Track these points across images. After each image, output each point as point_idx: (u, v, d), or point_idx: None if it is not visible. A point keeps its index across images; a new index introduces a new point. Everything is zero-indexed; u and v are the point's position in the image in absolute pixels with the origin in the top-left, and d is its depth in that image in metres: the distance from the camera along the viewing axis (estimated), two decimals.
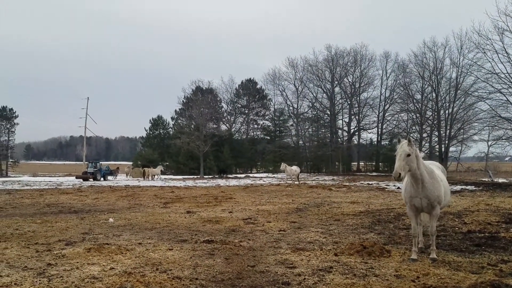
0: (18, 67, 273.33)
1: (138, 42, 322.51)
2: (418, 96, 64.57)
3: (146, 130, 78.23)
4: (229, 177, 55.49)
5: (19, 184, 37.09)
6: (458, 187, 27.20)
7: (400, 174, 6.71)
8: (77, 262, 7.20)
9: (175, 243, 9.03)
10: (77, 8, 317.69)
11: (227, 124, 78.59)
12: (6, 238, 9.57)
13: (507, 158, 67.92)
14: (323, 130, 77.95)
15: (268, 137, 79.57)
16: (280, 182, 37.77)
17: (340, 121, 76.32)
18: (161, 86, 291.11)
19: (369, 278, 6.22)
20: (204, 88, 73.37)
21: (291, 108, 78.69)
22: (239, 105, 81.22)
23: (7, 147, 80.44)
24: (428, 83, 62.52)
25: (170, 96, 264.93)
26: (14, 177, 61.55)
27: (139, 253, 8.00)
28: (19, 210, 15.97)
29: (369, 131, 74.95)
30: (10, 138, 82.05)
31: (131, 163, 73.26)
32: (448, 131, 60.07)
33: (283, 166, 37.62)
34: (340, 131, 76.41)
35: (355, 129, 74.37)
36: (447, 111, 60.69)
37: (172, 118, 77.19)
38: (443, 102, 61.34)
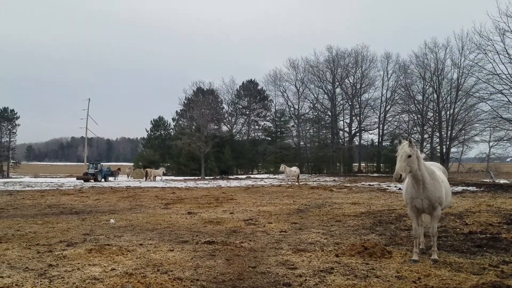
0: (18, 67, 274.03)
1: (138, 42, 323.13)
2: (419, 97, 64.65)
3: (147, 131, 78.44)
4: (230, 178, 55.50)
5: (20, 185, 37.13)
6: (459, 188, 27.16)
7: (401, 175, 6.70)
8: (78, 263, 7.20)
9: (176, 244, 9.03)
10: (77, 8, 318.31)
11: (228, 125, 78.74)
12: (7, 239, 9.58)
13: (508, 159, 67.72)
14: (324, 131, 77.96)
15: (269, 138, 79.62)
16: (281, 183, 37.75)
17: (341, 122, 76.48)
18: (161, 86, 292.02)
19: (370, 279, 6.21)
20: (205, 89, 73.47)
21: (292, 109, 78.83)
22: (240, 106, 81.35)
23: (8, 148, 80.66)
24: (429, 84, 62.51)
25: (171, 96, 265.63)
26: (16, 178, 61.67)
27: (140, 254, 8.00)
28: (20, 211, 15.99)
29: (370, 132, 75.12)
30: (11, 139, 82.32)
31: (132, 164, 73.31)
32: (449, 132, 60.02)
33: (282, 167, 37.62)
34: (341, 132, 76.47)
35: (356, 130, 74.41)
36: (448, 112, 60.67)
37: (173, 119, 77.36)
38: (444, 103, 61.33)
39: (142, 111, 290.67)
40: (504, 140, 50.77)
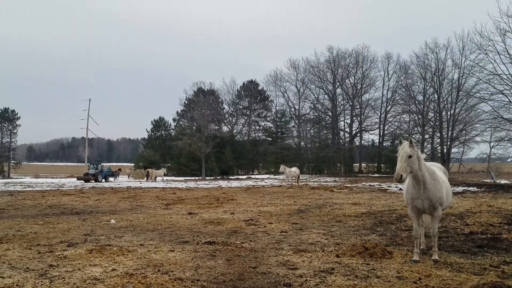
0: (18, 68, 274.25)
1: (138, 42, 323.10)
2: (420, 98, 64.67)
3: (148, 132, 78.50)
4: (231, 179, 55.51)
5: (21, 185, 37.16)
6: (460, 189, 27.15)
7: (401, 175, 6.69)
8: (79, 263, 7.20)
9: (176, 245, 9.03)
10: (77, 8, 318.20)
11: (229, 126, 78.81)
12: (8, 240, 9.58)
13: (509, 159, 67.67)
14: (325, 132, 78.00)
15: (270, 139, 79.69)
16: (282, 184, 37.74)
17: (342, 123, 76.56)
18: (161, 86, 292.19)
19: (371, 279, 6.21)
20: (205, 89, 73.60)
21: (292, 109, 78.91)
22: (241, 107, 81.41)
23: (9, 148, 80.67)
24: (430, 84, 62.54)
25: (171, 96, 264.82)
26: (16, 178, 61.67)
27: (140, 254, 8.00)
28: (21, 212, 15.99)
29: (371, 132, 75.17)
30: (12, 140, 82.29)
31: (133, 164, 73.34)
32: (450, 133, 60.02)
33: (282, 168, 37.64)
34: (341, 133, 76.53)
35: (357, 130, 74.44)
36: (449, 112, 60.68)
37: (174, 120, 77.44)
38: (445, 103, 61.34)
39: (142, 111, 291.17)
40: (505, 140, 50.81)
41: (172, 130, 78.02)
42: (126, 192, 26.96)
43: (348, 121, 75.44)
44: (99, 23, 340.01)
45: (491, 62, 46.08)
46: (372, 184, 35.27)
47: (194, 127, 66.89)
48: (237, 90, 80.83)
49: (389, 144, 70.24)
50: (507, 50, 42.98)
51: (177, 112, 76.61)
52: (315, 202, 19.01)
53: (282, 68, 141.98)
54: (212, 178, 57.88)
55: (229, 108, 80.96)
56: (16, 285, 5.95)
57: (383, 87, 71.11)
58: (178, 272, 6.69)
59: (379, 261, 7.32)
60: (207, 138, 61.83)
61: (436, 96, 61.79)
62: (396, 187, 28.99)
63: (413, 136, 61.55)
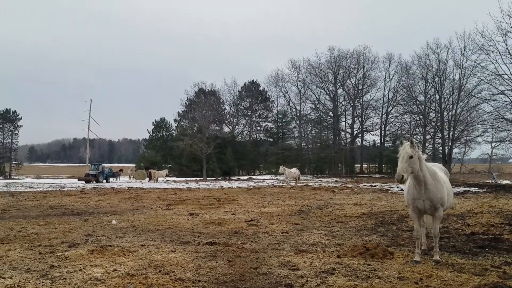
0: (18, 68, 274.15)
1: (138, 42, 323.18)
2: (422, 98, 64.55)
3: (149, 132, 78.48)
4: (232, 179, 55.51)
5: (22, 186, 37.21)
6: (461, 189, 27.12)
7: (402, 176, 6.69)
8: (80, 264, 7.21)
9: (177, 245, 9.04)
10: (77, 8, 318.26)
11: (230, 126, 78.79)
12: (9, 240, 9.60)
13: (511, 160, 67.64)
14: (326, 132, 77.94)
15: (271, 139, 79.69)
16: (283, 184, 37.73)
17: (343, 123, 76.45)
18: (161, 86, 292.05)
19: (372, 280, 6.20)
20: (206, 90, 73.57)
21: (293, 110, 78.83)
22: (242, 107, 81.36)
23: (10, 149, 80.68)
24: (431, 84, 62.45)
25: (171, 97, 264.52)
26: (18, 179, 61.75)
27: (141, 255, 8.01)
28: (22, 212, 16.02)
29: (372, 133, 74.99)
30: (14, 140, 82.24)
31: (134, 165, 73.37)
32: (451, 133, 59.95)
33: (281, 169, 37.64)
34: (343, 133, 76.45)
35: (358, 131, 74.35)
36: (450, 113, 60.62)
37: (175, 120, 77.39)
38: (446, 103, 61.25)
39: (143, 112, 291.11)
40: (507, 140, 50.76)
41: (173, 131, 78.05)
42: (127, 193, 26.99)
43: (350, 122, 75.47)
44: (99, 23, 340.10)
45: (493, 63, 46.13)
46: (373, 184, 35.25)
47: (195, 128, 66.86)
48: (238, 91, 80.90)
49: (390, 144, 70.14)
50: (508, 51, 43.00)
51: (178, 112, 76.72)
52: (316, 203, 19.01)
53: (283, 68, 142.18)
54: (213, 178, 57.88)
55: (230, 108, 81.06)
56: (17, 285, 5.96)
57: (384, 88, 71.09)
58: (179, 272, 6.69)
59: (380, 262, 7.32)
60: (208, 139, 61.83)
61: (437, 96, 61.72)
62: (397, 187, 28.96)
63: (415, 136, 61.45)
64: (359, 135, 74.74)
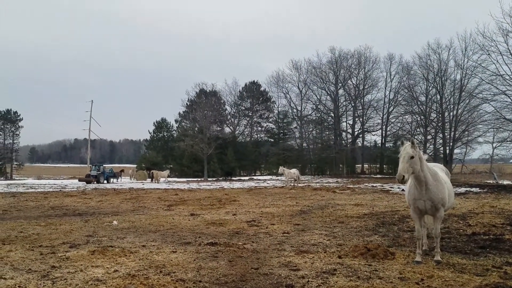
0: (19, 68, 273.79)
1: (138, 42, 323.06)
2: (423, 98, 64.54)
3: (150, 133, 78.61)
4: (233, 180, 55.53)
5: (23, 187, 37.25)
6: (462, 189, 27.09)
7: (403, 176, 6.68)
8: (81, 265, 7.22)
9: (178, 246, 9.04)
10: (77, 8, 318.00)
11: (231, 127, 78.88)
12: (10, 241, 9.60)
13: None
14: (327, 133, 77.95)
15: (272, 140, 79.74)
16: (284, 185, 37.73)
17: (344, 123, 76.46)
18: (162, 86, 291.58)
19: (373, 280, 6.20)
20: (207, 90, 73.73)
21: (295, 110, 78.93)
22: (243, 108, 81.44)
23: (11, 150, 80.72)
24: (432, 85, 62.44)
25: (171, 97, 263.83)
26: (19, 180, 61.80)
27: (142, 255, 8.01)
28: (23, 213, 16.03)
29: (373, 133, 74.97)
30: (15, 141, 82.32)
31: (135, 165, 73.39)
32: (452, 133, 59.92)
33: (281, 169, 37.65)
34: (344, 133, 76.43)
35: (359, 131, 74.34)
36: (451, 113, 60.60)
37: (176, 121, 77.53)
38: (447, 104, 61.24)
39: (143, 112, 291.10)
40: (508, 141, 50.65)
41: (174, 131, 78.22)
42: (128, 193, 27.00)
43: (351, 122, 75.46)
44: (99, 23, 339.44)
45: (494, 63, 46.07)
46: (374, 185, 35.23)
47: (196, 128, 66.89)
48: (239, 91, 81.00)
49: (391, 145, 70.11)
50: (509, 51, 42.92)
51: (179, 113, 76.90)
52: (317, 203, 19.00)
53: (284, 69, 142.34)
54: (214, 179, 57.90)
55: (231, 109, 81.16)
56: (18, 286, 5.96)
57: (385, 88, 71.10)
58: (180, 273, 6.69)
59: (381, 262, 7.31)
60: (209, 139, 61.86)
61: (438, 97, 61.70)
62: (398, 188, 28.95)
63: (416, 137, 61.42)
64: (360, 135, 74.76)
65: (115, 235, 10.45)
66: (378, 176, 61.80)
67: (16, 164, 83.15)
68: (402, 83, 67.64)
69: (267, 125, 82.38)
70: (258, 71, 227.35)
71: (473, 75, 54.47)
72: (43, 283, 6.11)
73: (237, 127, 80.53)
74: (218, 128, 71.13)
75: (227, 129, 76.49)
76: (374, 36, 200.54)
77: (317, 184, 39.57)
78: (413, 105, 64.78)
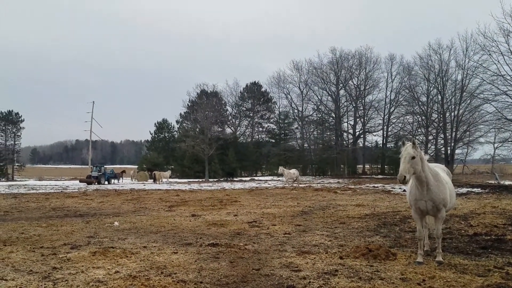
0: (19, 68, 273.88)
1: (138, 42, 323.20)
2: (424, 99, 64.52)
3: (151, 134, 78.59)
4: (234, 180, 55.50)
5: (25, 188, 37.28)
6: (464, 190, 27.03)
7: (405, 176, 6.67)
8: (82, 266, 7.22)
9: (180, 247, 9.04)
10: (77, 8, 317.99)
11: (232, 127, 78.79)
12: (11, 242, 9.61)
13: None
14: (328, 133, 77.84)
15: (273, 140, 79.69)
16: (285, 185, 37.72)
17: (345, 124, 76.35)
18: (162, 86, 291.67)
19: (375, 281, 6.19)
20: (208, 91, 73.68)
21: (296, 111, 78.86)
22: (244, 108, 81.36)
23: (13, 151, 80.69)
24: (433, 85, 62.45)
25: (172, 97, 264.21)
26: (20, 181, 61.86)
27: (144, 256, 8.01)
28: (24, 214, 16.04)
29: (375, 133, 74.88)
30: (16, 142, 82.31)
31: (137, 166, 73.43)
32: (454, 134, 59.90)
33: (280, 169, 37.61)
34: (345, 134, 76.38)
35: (360, 131, 74.28)
36: (452, 113, 60.59)
37: (177, 122, 77.49)
38: (448, 104, 61.22)
39: (143, 112, 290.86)
40: (509, 141, 50.72)
41: (175, 132, 78.12)
42: (129, 194, 27.00)
43: (352, 123, 75.34)
44: (99, 23, 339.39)
45: (495, 63, 46.05)
46: (375, 185, 35.19)
47: (197, 129, 66.89)
48: (240, 92, 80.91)
49: (392, 145, 70.02)
50: (510, 51, 42.88)
51: (180, 114, 76.84)
52: (318, 204, 18.98)
53: (285, 69, 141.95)
54: (215, 180, 57.87)
55: (232, 110, 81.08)
56: (19, 287, 5.96)
57: (386, 88, 71.00)
58: (181, 274, 6.69)
59: (382, 263, 7.30)
60: (210, 140, 61.87)
61: (439, 97, 61.67)
62: (399, 188, 28.91)
63: (417, 137, 61.37)
64: (361, 136, 74.69)
65: (116, 236, 10.46)
66: (380, 176, 61.70)
67: (17, 165, 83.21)
68: (403, 83, 67.69)
69: (268, 126, 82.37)
70: (258, 71, 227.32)
71: (474, 76, 54.55)
72: (44, 284, 6.12)
73: (238, 127, 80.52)
74: (219, 129, 71.10)
75: (228, 130, 76.48)
76: (374, 36, 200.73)
77: (318, 184, 39.55)
78: (414, 105, 64.79)
